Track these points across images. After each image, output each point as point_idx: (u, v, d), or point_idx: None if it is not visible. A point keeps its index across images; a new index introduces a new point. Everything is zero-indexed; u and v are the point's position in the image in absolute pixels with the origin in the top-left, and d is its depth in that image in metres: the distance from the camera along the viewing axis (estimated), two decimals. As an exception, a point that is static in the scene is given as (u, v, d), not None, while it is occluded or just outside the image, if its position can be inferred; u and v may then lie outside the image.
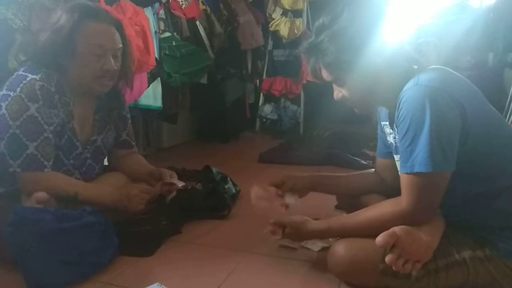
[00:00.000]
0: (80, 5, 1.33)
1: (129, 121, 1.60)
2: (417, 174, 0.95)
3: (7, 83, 1.25)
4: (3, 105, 1.21)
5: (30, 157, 1.22)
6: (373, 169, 1.37)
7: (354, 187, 1.35)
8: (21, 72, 1.26)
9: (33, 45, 1.32)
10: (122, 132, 1.57)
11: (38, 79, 1.24)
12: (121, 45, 1.36)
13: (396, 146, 1.12)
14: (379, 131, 1.30)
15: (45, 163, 1.25)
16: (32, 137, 1.22)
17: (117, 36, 1.35)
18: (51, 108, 1.26)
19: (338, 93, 1.11)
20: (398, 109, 1.00)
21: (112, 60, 1.33)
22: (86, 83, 1.32)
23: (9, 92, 1.22)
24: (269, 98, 3.71)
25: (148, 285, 1.13)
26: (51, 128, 1.26)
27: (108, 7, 1.99)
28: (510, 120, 1.66)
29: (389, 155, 1.24)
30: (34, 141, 1.22)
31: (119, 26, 1.37)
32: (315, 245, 1.32)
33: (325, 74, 1.09)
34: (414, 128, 0.94)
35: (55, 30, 1.27)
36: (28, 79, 1.23)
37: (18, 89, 1.21)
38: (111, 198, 1.31)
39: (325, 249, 1.28)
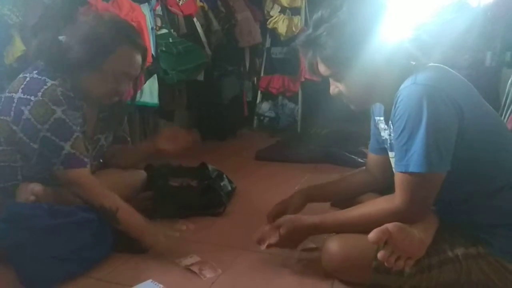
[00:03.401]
0: (121, 23, 1.36)
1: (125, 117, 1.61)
2: (411, 173, 0.95)
3: (22, 86, 1.22)
4: (25, 109, 1.19)
5: (68, 155, 1.22)
6: (363, 168, 1.37)
7: (348, 190, 1.35)
8: (35, 75, 1.24)
9: (51, 46, 1.28)
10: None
11: (57, 84, 1.23)
12: (140, 70, 1.40)
13: (391, 143, 1.12)
14: (372, 126, 1.29)
15: (85, 159, 1.26)
16: (64, 138, 1.22)
17: (141, 62, 1.38)
18: (74, 111, 1.27)
19: (335, 88, 1.10)
20: (394, 107, 0.99)
21: (128, 84, 1.38)
22: (96, 95, 1.34)
23: (29, 96, 1.20)
24: (266, 96, 3.70)
25: (142, 281, 1.13)
26: (78, 128, 1.27)
27: (104, 3, 1.98)
28: (506, 119, 1.67)
29: (381, 151, 1.24)
30: (68, 141, 1.22)
31: (144, 52, 1.40)
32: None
33: (322, 69, 1.07)
34: (410, 127, 0.94)
35: (91, 40, 1.26)
36: (48, 84, 1.22)
37: (40, 94, 1.20)
38: (148, 233, 1.26)
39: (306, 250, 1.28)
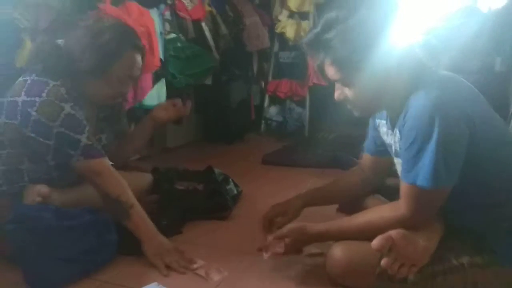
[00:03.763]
0: (122, 27, 1.38)
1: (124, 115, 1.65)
2: (418, 186, 0.95)
3: (24, 89, 1.23)
4: (32, 111, 1.21)
5: (87, 147, 1.25)
6: (357, 167, 1.37)
7: (346, 191, 1.35)
8: (36, 78, 1.25)
9: (50, 51, 1.29)
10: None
11: (60, 85, 1.25)
12: (140, 71, 1.43)
13: (396, 150, 1.11)
14: (370, 128, 1.28)
15: (102, 150, 1.30)
16: (79, 131, 1.25)
17: (141, 63, 1.41)
18: (80, 110, 1.29)
19: (341, 93, 1.06)
20: (404, 116, 0.98)
21: (130, 85, 1.42)
22: (99, 98, 1.37)
23: (33, 98, 1.22)
24: (274, 100, 3.70)
25: (147, 284, 1.14)
26: (86, 122, 1.29)
27: (113, 8, 2.00)
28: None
29: (377, 152, 1.25)
30: (83, 134, 1.25)
31: (144, 52, 1.43)
32: None
33: (331, 72, 1.03)
34: (421, 140, 0.93)
35: (96, 48, 1.26)
36: (51, 85, 1.24)
37: (44, 94, 1.22)
38: (154, 241, 1.27)
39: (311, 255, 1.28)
